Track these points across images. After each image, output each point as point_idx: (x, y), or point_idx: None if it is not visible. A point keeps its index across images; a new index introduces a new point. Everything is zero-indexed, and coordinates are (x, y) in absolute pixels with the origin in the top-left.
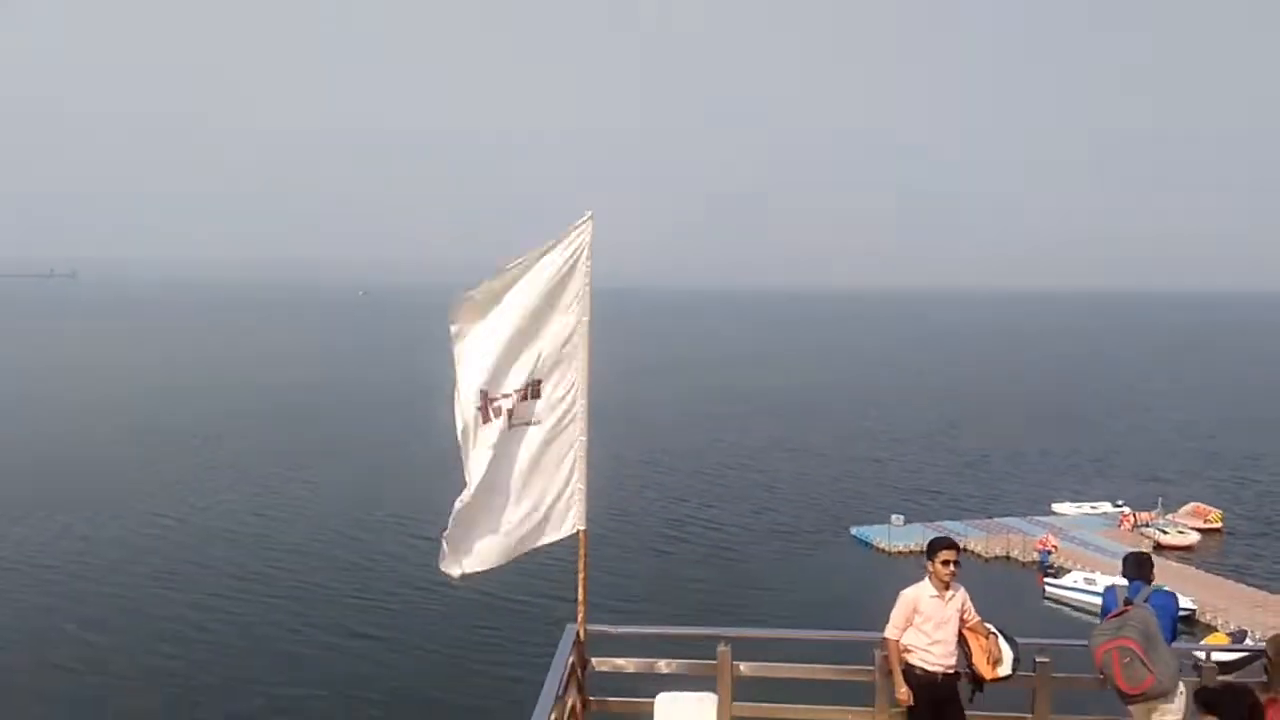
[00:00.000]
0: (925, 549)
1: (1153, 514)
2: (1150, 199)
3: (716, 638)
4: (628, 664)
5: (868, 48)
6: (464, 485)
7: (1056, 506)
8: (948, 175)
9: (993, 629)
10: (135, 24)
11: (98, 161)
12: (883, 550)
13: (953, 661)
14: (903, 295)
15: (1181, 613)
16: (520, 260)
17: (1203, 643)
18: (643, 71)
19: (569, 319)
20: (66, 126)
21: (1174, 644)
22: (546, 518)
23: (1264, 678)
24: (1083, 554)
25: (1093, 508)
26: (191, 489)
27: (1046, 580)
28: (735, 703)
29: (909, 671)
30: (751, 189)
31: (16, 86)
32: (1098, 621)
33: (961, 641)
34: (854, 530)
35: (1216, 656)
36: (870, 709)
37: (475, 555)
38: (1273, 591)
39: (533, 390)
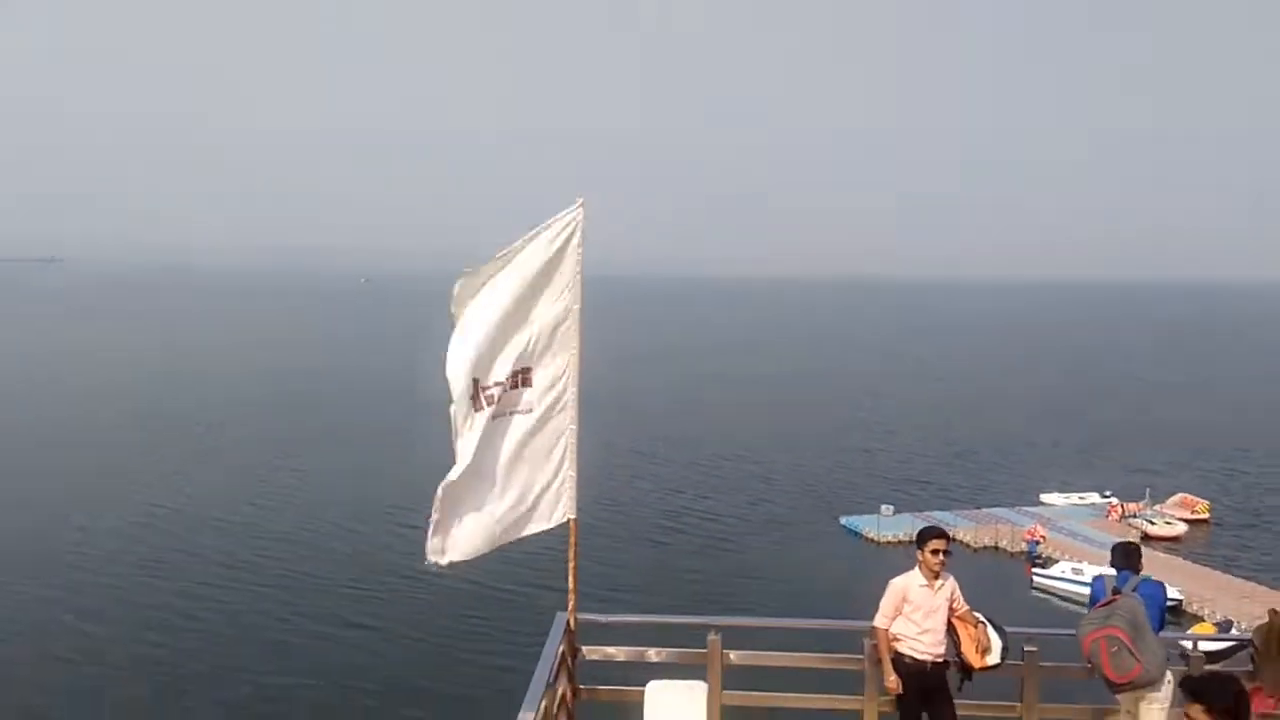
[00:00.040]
0: (915, 538)
1: (1140, 505)
2: (1150, 199)
3: (706, 626)
4: (618, 652)
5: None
6: (458, 472)
7: (1045, 497)
8: (948, 175)
9: (981, 618)
10: (135, 24)
11: (97, 161)
12: (872, 540)
13: (942, 650)
14: (900, 285)
15: (1169, 603)
16: (512, 247)
17: (1189, 632)
18: (643, 71)
19: (560, 306)
20: (67, 126)
21: (1161, 633)
22: (537, 506)
23: (1250, 667)
24: (1070, 544)
25: (1081, 498)
26: (189, 478)
27: (1034, 570)
28: (725, 691)
29: (898, 660)
30: (751, 189)
31: (17, 86)
32: (1085, 611)
33: (950, 630)
34: (843, 520)
35: (1203, 646)
36: (859, 697)
37: (464, 543)
38: (1259, 582)
39: (524, 378)
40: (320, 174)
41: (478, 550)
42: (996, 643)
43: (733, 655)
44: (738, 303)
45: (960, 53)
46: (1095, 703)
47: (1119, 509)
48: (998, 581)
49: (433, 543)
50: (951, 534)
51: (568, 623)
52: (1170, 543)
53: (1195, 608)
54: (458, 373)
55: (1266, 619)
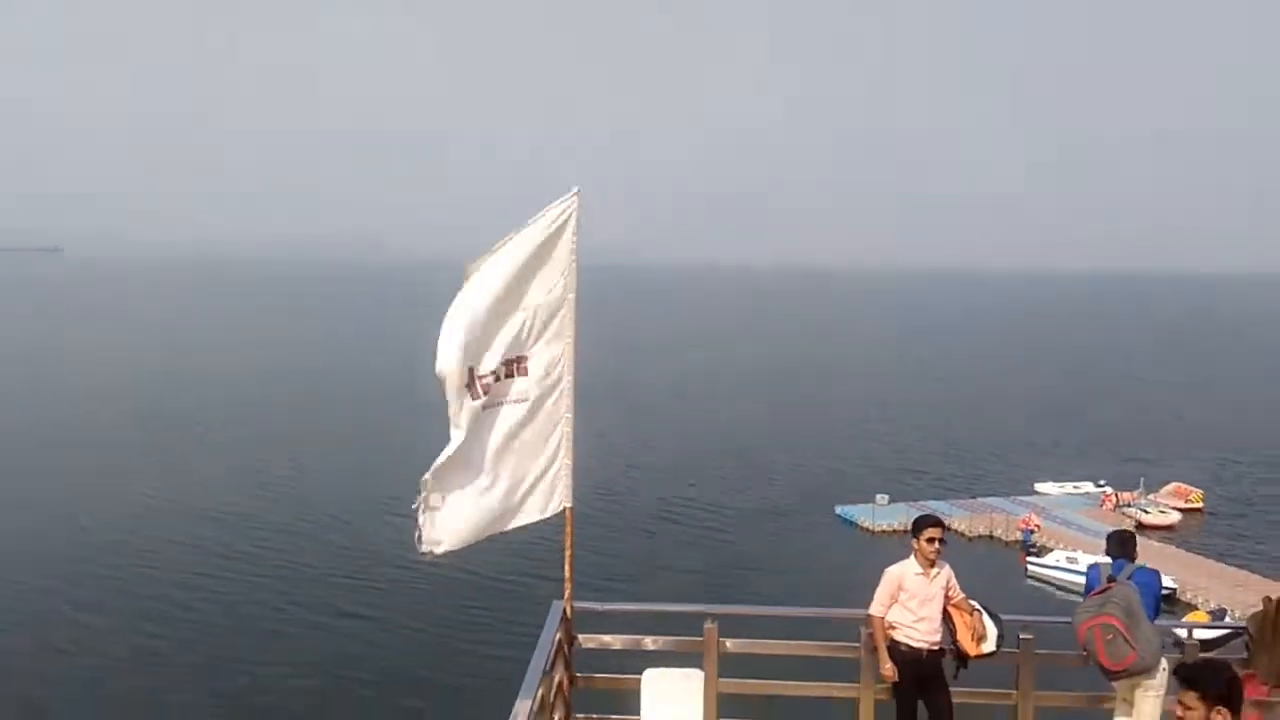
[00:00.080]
0: (911, 527)
1: (1134, 494)
2: (1150, 198)
3: (703, 614)
4: (614, 641)
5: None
6: (449, 459)
7: (1039, 486)
8: (948, 175)
9: (977, 606)
10: (135, 24)
11: (97, 161)
12: (867, 529)
13: (937, 638)
14: (898, 275)
15: (1163, 591)
16: (507, 236)
17: (1184, 620)
18: (642, 71)
19: (556, 294)
20: (67, 126)
21: (1156, 621)
22: (533, 495)
23: (1244, 654)
24: (1065, 533)
25: (1075, 488)
26: (187, 471)
27: (1029, 559)
28: (721, 679)
29: (894, 648)
30: (751, 189)
31: (15, 86)
32: (1079, 600)
33: (946, 618)
34: (839, 509)
35: (1198, 634)
36: (856, 685)
37: (459, 532)
38: (1253, 571)
39: (519, 366)
40: (321, 173)
41: (472, 539)
42: (992, 630)
43: (729, 643)
44: (735, 292)
45: (961, 52)
46: (1091, 690)
47: (1113, 498)
48: (992, 571)
49: (427, 532)
50: (946, 523)
51: (564, 611)
52: (1164, 532)
53: (1189, 596)
54: (451, 360)
55: (1260, 607)
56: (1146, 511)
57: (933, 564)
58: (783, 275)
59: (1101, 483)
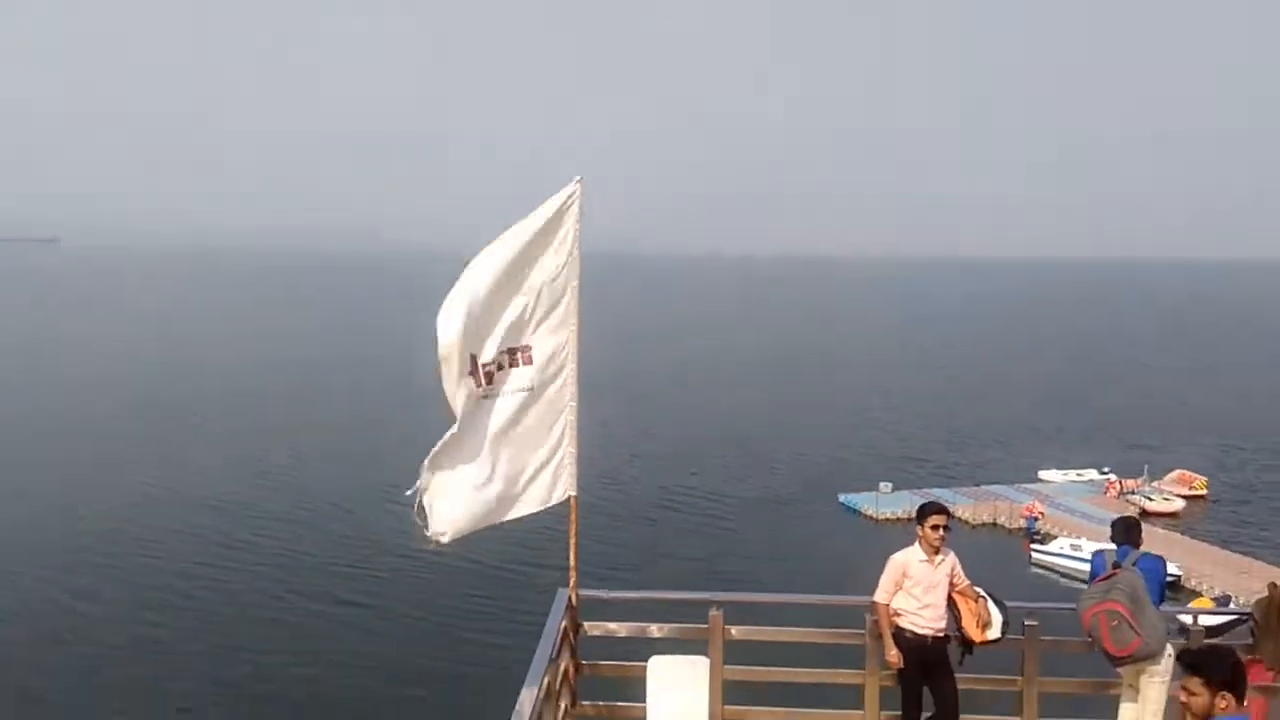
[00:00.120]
0: (915, 514)
1: (1138, 481)
2: (1151, 195)
3: (708, 602)
4: (620, 628)
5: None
6: (448, 446)
7: (1043, 474)
8: (947, 175)
9: (982, 593)
10: (135, 24)
11: (97, 161)
12: (871, 517)
13: (942, 625)
14: (900, 263)
15: (1168, 578)
16: (511, 226)
17: (1189, 606)
18: (642, 71)
19: (559, 283)
20: (67, 126)
21: (1161, 608)
22: (538, 483)
23: (1249, 640)
24: (1069, 521)
25: (1079, 475)
26: (187, 460)
27: (1033, 547)
28: (727, 666)
29: (899, 635)
30: (752, 188)
31: (16, 86)
32: (1083, 588)
33: (951, 605)
34: (842, 497)
35: (1203, 620)
36: (861, 672)
37: (464, 520)
38: (1257, 557)
39: (523, 355)
40: (321, 173)
41: (475, 527)
42: (997, 617)
43: (734, 630)
44: (737, 281)
45: (959, 52)
46: (1096, 676)
47: (1117, 485)
48: (996, 558)
49: (432, 520)
50: (950, 511)
51: (569, 599)
52: (1168, 519)
53: (1193, 583)
54: (452, 335)
55: (1266, 593)
56: (1150, 498)
57: (937, 551)
58: (785, 264)
59: (1105, 470)
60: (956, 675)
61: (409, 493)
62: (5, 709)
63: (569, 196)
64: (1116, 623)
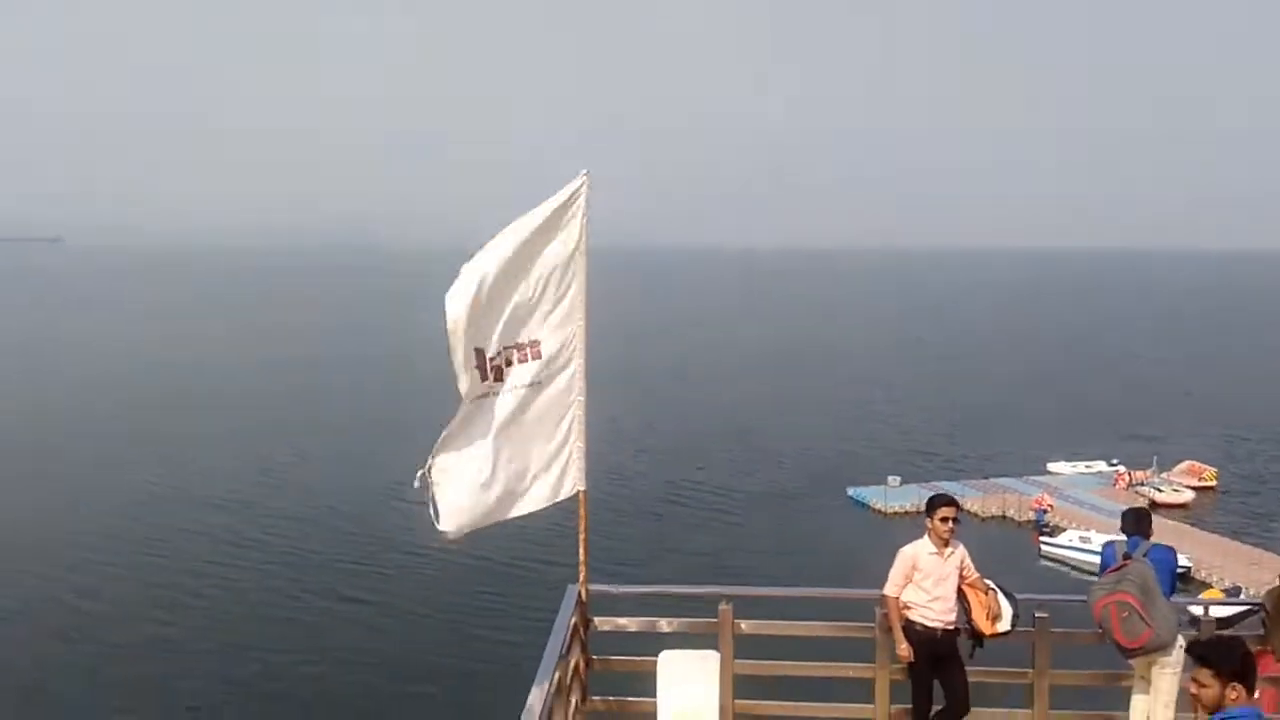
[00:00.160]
0: (925, 506)
1: (1148, 472)
2: (1150, 199)
3: (718, 596)
4: (630, 623)
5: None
6: (456, 440)
7: (1052, 466)
8: (947, 174)
9: (992, 585)
10: (134, 24)
11: (97, 160)
12: (879, 511)
13: (952, 618)
14: (900, 255)
15: (1178, 569)
16: (517, 221)
17: (1200, 597)
18: (642, 71)
19: (566, 277)
20: (67, 126)
21: (1173, 599)
22: (546, 479)
23: (1261, 631)
24: (1078, 513)
25: (1088, 467)
26: (193, 460)
27: (1042, 539)
28: (737, 660)
29: (909, 628)
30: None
31: (16, 86)
32: (1093, 580)
33: (961, 598)
34: (850, 491)
35: (1215, 611)
36: (871, 665)
37: (472, 515)
38: (1267, 548)
39: (532, 350)
40: (321, 173)
41: (486, 522)
42: (1007, 609)
43: (744, 624)
44: (743, 274)
45: (959, 51)
46: (1107, 668)
47: (1126, 477)
48: (1005, 551)
49: (442, 516)
50: (959, 503)
51: (579, 594)
52: (1178, 510)
53: (1204, 574)
54: (462, 345)
55: (1277, 583)
56: (1160, 490)
57: (947, 543)
58: (786, 257)
59: (1114, 462)
60: (967, 668)
61: (416, 484)
62: (11, 708)
63: (575, 190)
64: (1127, 614)
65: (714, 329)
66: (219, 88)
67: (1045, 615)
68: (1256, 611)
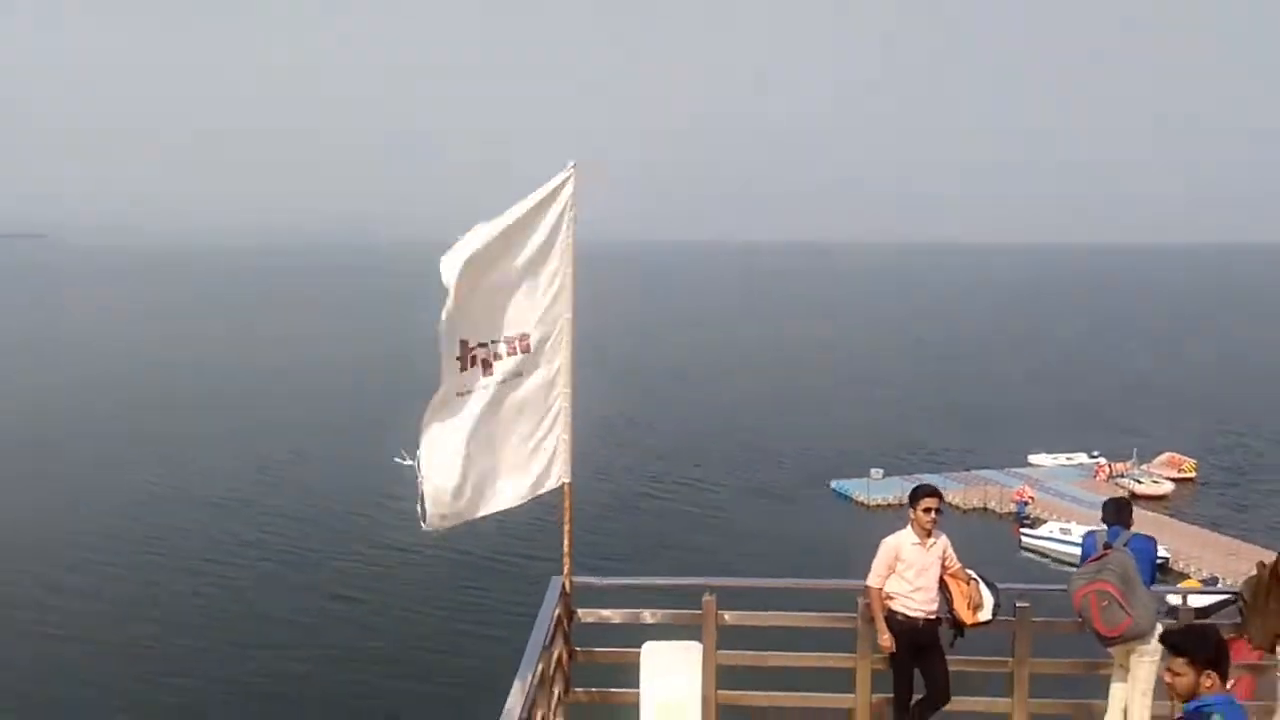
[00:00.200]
0: (908, 497)
1: (1128, 464)
2: (1150, 199)
3: (701, 587)
4: (613, 615)
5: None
6: (444, 435)
7: (1033, 458)
8: (947, 175)
9: (974, 575)
10: (133, 24)
11: (97, 160)
12: (862, 504)
13: (934, 608)
14: (899, 249)
15: (1158, 559)
16: (504, 213)
17: (1179, 586)
18: (642, 71)
19: (552, 270)
20: (66, 126)
21: (1152, 588)
22: (531, 471)
23: (1238, 620)
24: (1059, 505)
25: (1068, 459)
26: (189, 460)
27: (1023, 531)
28: (720, 651)
29: (891, 618)
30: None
31: (16, 86)
32: (1072, 571)
33: (943, 588)
34: (834, 484)
35: (1193, 601)
36: (853, 655)
37: (460, 508)
38: (1246, 540)
39: (520, 343)
40: (321, 174)
41: (473, 515)
42: (988, 599)
43: (727, 615)
44: (733, 270)
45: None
46: (1086, 657)
47: (1106, 469)
48: (986, 543)
49: (429, 508)
50: (942, 494)
51: (563, 586)
52: (1157, 502)
53: (1182, 565)
54: (450, 336)
55: (1254, 573)
56: (1140, 482)
57: (929, 534)
58: (786, 251)
59: (1095, 454)
60: (948, 657)
61: (406, 460)
62: (9, 707)
63: (562, 181)
64: (1107, 603)
65: (712, 328)
66: (216, 88)
67: (1026, 605)
68: (1234, 601)
